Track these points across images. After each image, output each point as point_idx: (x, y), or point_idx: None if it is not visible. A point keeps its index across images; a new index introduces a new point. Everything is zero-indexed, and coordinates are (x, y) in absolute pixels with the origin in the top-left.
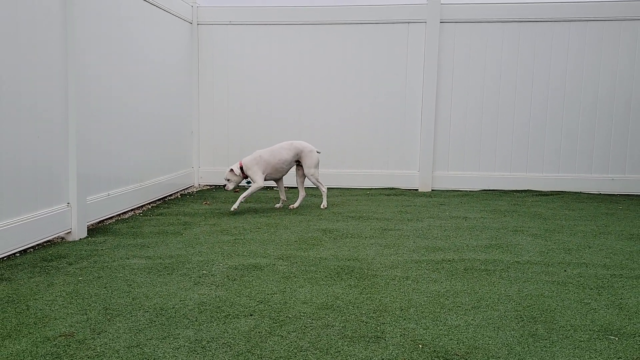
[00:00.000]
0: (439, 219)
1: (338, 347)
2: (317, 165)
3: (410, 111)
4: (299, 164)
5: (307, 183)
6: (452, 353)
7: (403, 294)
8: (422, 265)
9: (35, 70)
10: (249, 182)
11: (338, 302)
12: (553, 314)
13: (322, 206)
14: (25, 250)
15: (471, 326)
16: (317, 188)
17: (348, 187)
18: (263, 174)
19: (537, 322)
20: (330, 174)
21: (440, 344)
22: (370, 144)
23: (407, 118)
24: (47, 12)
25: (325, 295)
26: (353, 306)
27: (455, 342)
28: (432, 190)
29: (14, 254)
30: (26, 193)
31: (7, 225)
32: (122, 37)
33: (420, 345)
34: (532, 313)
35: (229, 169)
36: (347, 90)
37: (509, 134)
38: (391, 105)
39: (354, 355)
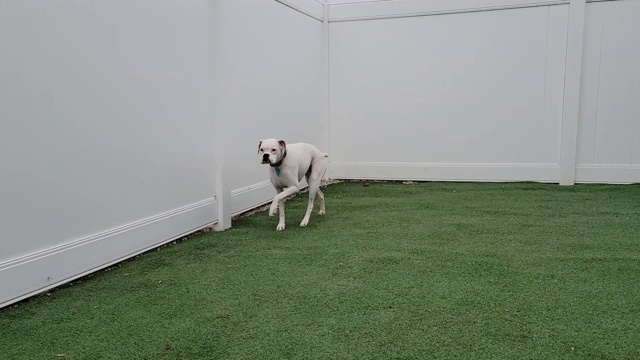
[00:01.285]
0: (585, 214)
1: (482, 344)
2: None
3: (550, 99)
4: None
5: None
6: (610, 358)
7: (549, 294)
8: (569, 263)
9: (188, 82)
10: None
11: (478, 298)
12: None
13: (321, 212)
14: (180, 239)
15: (630, 330)
16: (309, 200)
17: (480, 181)
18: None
19: None
20: (462, 167)
21: (596, 347)
22: (505, 134)
23: (547, 106)
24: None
25: (464, 291)
26: (495, 303)
27: (613, 346)
28: (575, 184)
29: (172, 242)
30: (180, 187)
31: (168, 215)
32: (264, 39)
33: (572, 348)
34: None
35: (277, 140)
36: (480, 80)
37: None
38: (528, 94)
39: (500, 353)
